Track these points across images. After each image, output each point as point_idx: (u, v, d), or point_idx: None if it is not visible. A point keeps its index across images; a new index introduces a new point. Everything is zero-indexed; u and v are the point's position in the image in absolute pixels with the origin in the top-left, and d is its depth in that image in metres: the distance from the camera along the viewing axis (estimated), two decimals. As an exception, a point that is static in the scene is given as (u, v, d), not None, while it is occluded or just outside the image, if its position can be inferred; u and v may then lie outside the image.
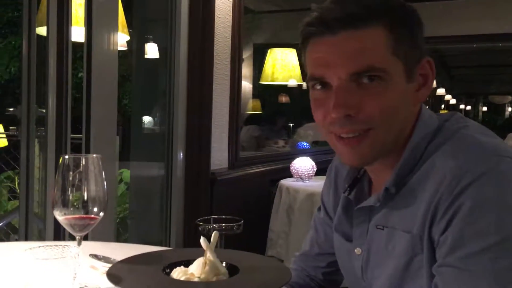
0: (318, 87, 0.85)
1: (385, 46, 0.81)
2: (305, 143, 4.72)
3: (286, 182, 2.87)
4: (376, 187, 0.94)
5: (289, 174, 2.92)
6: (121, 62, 2.07)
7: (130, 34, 2.80)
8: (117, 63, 2.00)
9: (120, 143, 2.92)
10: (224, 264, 0.90)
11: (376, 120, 0.81)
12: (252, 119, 5.23)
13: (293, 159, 2.96)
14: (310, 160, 2.92)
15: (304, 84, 4.92)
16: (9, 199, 4.35)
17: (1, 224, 3.21)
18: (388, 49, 0.81)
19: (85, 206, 0.86)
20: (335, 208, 1.03)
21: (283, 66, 3.98)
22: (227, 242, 1.58)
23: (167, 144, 2.49)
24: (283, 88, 5.92)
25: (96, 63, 1.89)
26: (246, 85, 4.93)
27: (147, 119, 3.05)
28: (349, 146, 0.84)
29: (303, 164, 2.88)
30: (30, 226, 1.99)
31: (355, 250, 0.93)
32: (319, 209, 1.14)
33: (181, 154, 2.47)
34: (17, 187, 4.08)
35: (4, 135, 4.62)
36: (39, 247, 0.77)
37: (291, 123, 6.24)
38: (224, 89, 2.72)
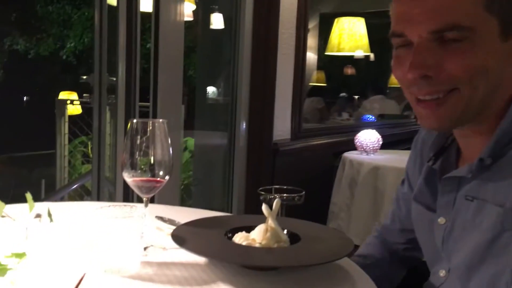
0: (400, 44, 0.80)
1: (475, 1, 0.73)
2: (370, 116, 4.60)
3: (349, 154, 2.81)
4: (465, 156, 0.89)
5: (352, 147, 2.86)
6: (186, 33, 2.09)
7: (196, 4, 2.82)
8: (183, 33, 2.03)
9: (185, 112, 2.98)
10: (285, 232, 0.90)
11: (461, 79, 0.75)
12: (315, 91, 5.16)
13: (357, 132, 2.89)
14: (376, 133, 2.84)
15: (372, 55, 4.76)
16: (83, 163, 4.63)
17: (75, 186, 3.43)
18: (478, 4, 0.74)
19: (152, 169, 0.89)
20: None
21: (350, 36, 3.86)
22: (287, 213, 1.58)
23: (230, 114, 2.51)
24: (349, 60, 5.76)
25: (163, 33, 1.92)
26: (311, 56, 4.84)
27: (211, 89, 3.09)
28: (428, 109, 0.79)
29: (368, 137, 2.80)
30: (101, 188, 2.10)
31: (438, 220, 0.89)
32: (402, 182, 1.10)
33: (244, 124, 2.49)
34: (89, 152, 4.32)
35: (78, 103, 4.89)
36: (109, 206, 0.81)
37: (356, 95, 6.10)
38: (288, 59, 2.68)
